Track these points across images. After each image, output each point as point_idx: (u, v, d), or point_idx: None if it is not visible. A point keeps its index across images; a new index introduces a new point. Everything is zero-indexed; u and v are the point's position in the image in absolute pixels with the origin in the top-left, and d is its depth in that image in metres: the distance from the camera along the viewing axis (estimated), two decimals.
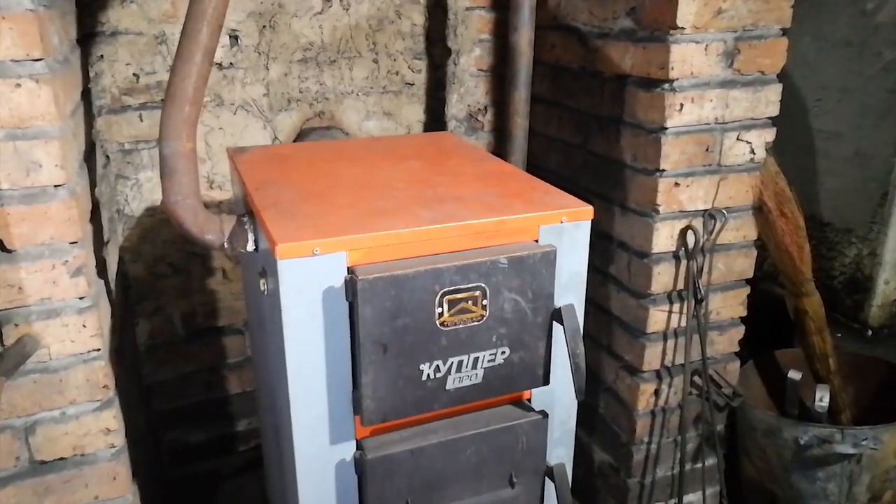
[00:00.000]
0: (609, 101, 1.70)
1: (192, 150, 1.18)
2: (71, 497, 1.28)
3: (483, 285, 1.10)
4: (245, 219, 1.22)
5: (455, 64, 1.98)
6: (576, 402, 1.29)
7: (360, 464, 1.14)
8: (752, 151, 1.63)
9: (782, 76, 1.61)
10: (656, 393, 1.74)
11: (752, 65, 1.56)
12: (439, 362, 1.11)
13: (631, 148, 1.64)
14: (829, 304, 1.93)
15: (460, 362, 1.13)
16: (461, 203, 1.21)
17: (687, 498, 1.85)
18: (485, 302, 1.11)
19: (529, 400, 1.28)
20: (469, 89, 2.04)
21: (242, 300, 1.96)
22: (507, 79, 1.81)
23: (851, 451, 1.67)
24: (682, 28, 1.47)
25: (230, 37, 1.78)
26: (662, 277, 1.64)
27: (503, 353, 1.15)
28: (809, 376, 1.91)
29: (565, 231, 1.20)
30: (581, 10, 1.77)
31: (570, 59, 1.85)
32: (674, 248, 1.63)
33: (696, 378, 1.75)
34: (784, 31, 1.57)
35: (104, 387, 1.26)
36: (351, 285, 1.04)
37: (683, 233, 1.62)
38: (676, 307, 1.68)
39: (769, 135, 1.63)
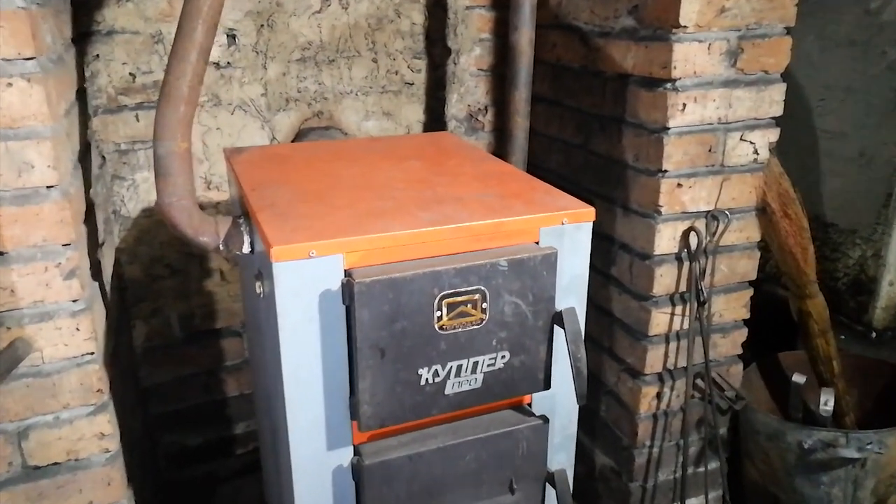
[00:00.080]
0: (611, 100, 1.68)
1: (186, 151, 1.16)
2: (65, 502, 1.26)
3: (483, 288, 1.08)
4: (241, 220, 1.20)
5: (455, 63, 1.97)
6: (577, 406, 1.27)
7: (357, 470, 1.12)
8: (756, 152, 1.61)
9: (786, 76, 1.59)
10: (658, 396, 1.72)
11: (756, 64, 1.54)
12: (438, 367, 1.09)
13: (633, 148, 1.62)
14: (833, 305, 1.91)
15: (459, 367, 1.11)
16: (461, 204, 1.19)
17: (689, 502, 1.84)
18: (484, 305, 1.09)
19: (530, 405, 1.26)
20: (469, 89, 2.02)
21: (240, 302, 1.94)
22: (508, 78, 1.80)
23: (856, 455, 1.66)
24: (685, 27, 1.45)
25: (228, 36, 1.76)
26: (664, 279, 1.62)
27: (503, 357, 1.13)
28: (813, 379, 1.89)
29: (566, 233, 1.18)
30: (582, 9, 1.75)
31: (572, 58, 1.83)
32: (676, 250, 1.61)
33: (698, 381, 1.73)
34: (788, 30, 1.56)
35: (98, 391, 1.24)
36: (348, 288, 1.02)
37: (686, 234, 1.60)
38: (679, 309, 1.66)
39: (773, 135, 1.62)
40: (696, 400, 1.75)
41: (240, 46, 1.78)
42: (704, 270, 1.63)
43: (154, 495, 1.77)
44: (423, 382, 1.09)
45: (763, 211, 1.66)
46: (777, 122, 1.62)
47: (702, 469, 1.82)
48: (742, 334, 1.77)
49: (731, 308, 1.73)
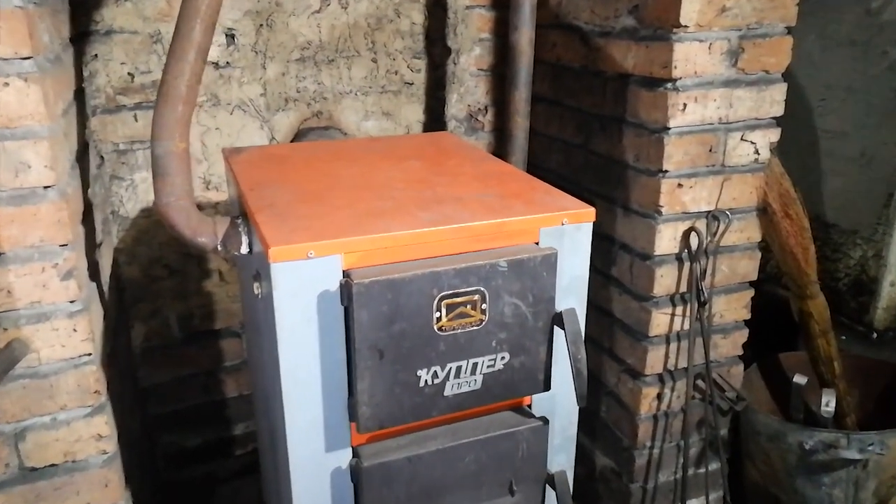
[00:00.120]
0: (611, 100, 1.68)
1: (185, 151, 1.15)
2: None
3: (482, 289, 1.08)
4: (239, 221, 1.20)
5: (455, 63, 1.96)
6: (577, 408, 1.27)
7: (355, 472, 1.11)
8: (757, 152, 1.60)
9: (786, 75, 1.58)
10: (659, 397, 1.72)
11: (757, 64, 1.54)
12: (437, 368, 1.09)
13: (633, 148, 1.62)
14: (834, 306, 1.90)
15: (459, 368, 1.10)
16: (460, 204, 1.18)
17: (690, 503, 1.83)
18: (484, 306, 1.09)
19: (530, 406, 1.25)
20: (469, 89, 2.01)
21: (239, 302, 1.94)
22: (508, 78, 1.79)
23: (857, 456, 1.65)
24: (686, 26, 1.44)
25: (227, 36, 1.75)
26: (665, 280, 1.62)
27: (503, 358, 1.13)
28: (814, 380, 1.88)
29: (566, 233, 1.17)
30: (582, 9, 1.74)
31: (572, 58, 1.83)
32: (677, 250, 1.61)
33: (699, 382, 1.72)
34: (789, 30, 1.55)
35: (96, 392, 1.24)
36: (346, 289, 1.01)
37: (686, 234, 1.60)
38: (679, 310, 1.65)
39: (774, 135, 1.61)
40: (696, 401, 1.74)
41: (239, 46, 1.77)
42: (705, 271, 1.63)
43: (153, 496, 1.76)
44: (422, 384, 1.08)
45: (764, 211, 1.65)
46: (778, 121, 1.61)
47: (702, 470, 1.81)
48: (743, 335, 1.77)
49: (731, 308, 1.72)
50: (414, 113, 2.00)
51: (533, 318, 1.13)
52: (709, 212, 1.60)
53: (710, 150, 1.56)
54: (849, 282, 2.33)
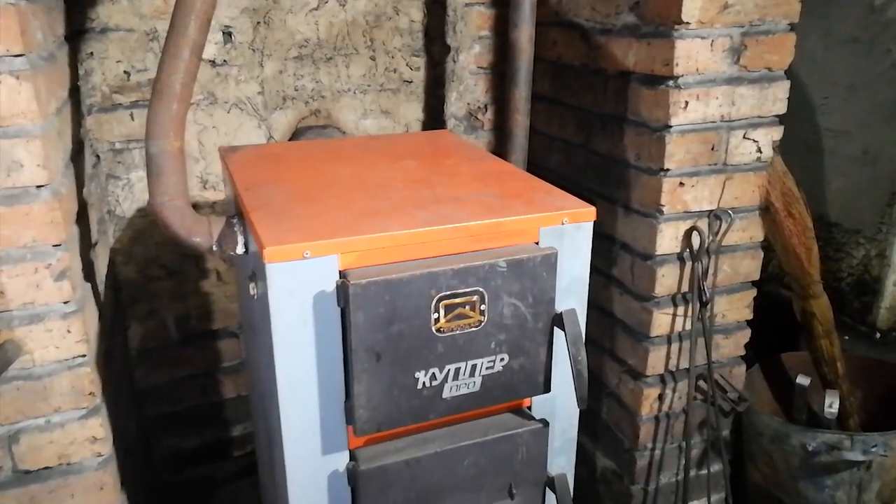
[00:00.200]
0: (612, 98, 1.66)
1: (179, 149, 1.14)
2: None
3: (481, 290, 1.06)
4: (234, 220, 1.18)
5: (454, 61, 1.94)
6: (577, 410, 1.25)
7: (353, 475, 1.10)
8: (759, 150, 1.59)
9: (789, 73, 1.57)
10: (660, 398, 1.70)
11: (759, 61, 1.52)
12: (435, 370, 1.07)
13: (634, 147, 1.60)
14: (837, 306, 1.89)
15: (457, 370, 1.08)
16: (459, 204, 1.17)
17: None
18: (483, 307, 1.07)
19: (530, 408, 1.24)
20: (469, 87, 2.00)
21: (237, 303, 1.92)
22: (508, 76, 1.77)
23: (861, 457, 1.64)
24: (687, 23, 1.43)
25: (224, 33, 1.74)
26: (666, 280, 1.60)
27: (502, 359, 1.11)
28: (817, 380, 1.87)
29: (566, 233, 1.15)
30: (583, 6, 1.73)
31: (572, 55, 1.81)
32: (678, 250, 1.59)
33: (700, 382, 1.71)
34: (792, 27, 1.53)
35: (90, 394, 1.23)
36: (343, 290, 1.00)
37: (688, 234, 1.58)
38: (681, 310, 1.64)
39: (776, 133, 1.59)
40: (698, 402, 1.73)
41: (236, 44, 1.76)
42: (707, 271, 1.61)
43: (150, 499, 1.75)
44: (420, 386, 1.07)
45: (766, 210, 1.64)
46: (781, 120, 1.59)
47: (704, 472, 1.80)
48: (745, 335, 1.75)
49: (733, 309, 1.70)
50: (413, 111, 1.99)
51: (533, 319, 1.11)
52: (711, 211, 1.59)
53: (712, 149, 1.54)
54: (852, 281, 2.31)
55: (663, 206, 1.54)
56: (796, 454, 1.70)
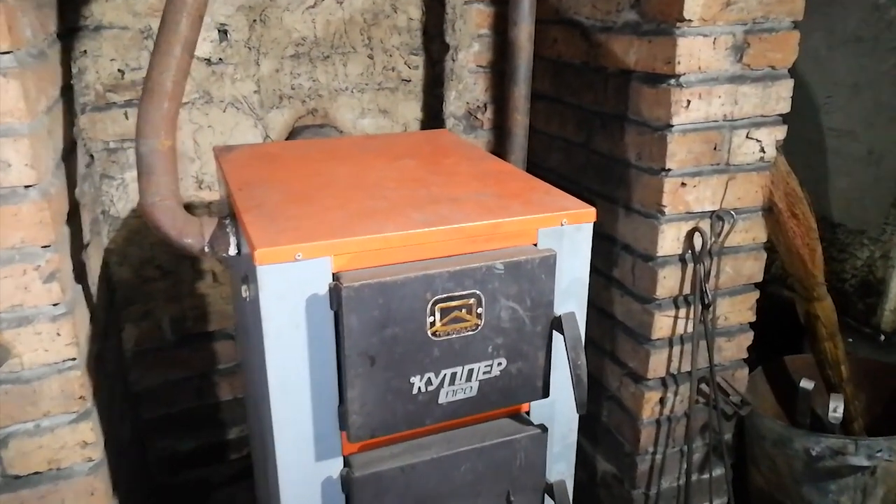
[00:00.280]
0: (613, 97, 1.64)
1: (170, 149, 1.12)
2: None
3: (478, 292, 1.04)
4: (227, 221, 1.16)
5: (453, 60, 1.92)
6: (577, 415, 1.23)
7: (346, 482, 1.07)
8: (762, 150, 1.56)
9: (792, 72, 1.54)
10: (662, 401, 1.68)
11: (763, 59, 1.50)
12: (431, 375, 1.05)
13: (635, 146, 1.58)
14: (841, 308, 1.87)
15: (454, 374, 1.06)
16: (456, 204, 1.14)
17: None
18: (480, 310, 1.05)
19: (528, 413, 1.22)
20: (468, 86, 1.97)
21: (233, 304, 1.90)
22: (507, 75, 1.75)
23: (865, 462, 1.61)
24: (690, 21, 1.41)
25: (219, 31, 1.72)
26: (668, 281, 1.58)
27: (500, 364, 1.09)
28: (821, 384, 1.85)
29: (566, 234, 1.13)
30: (583, 3, 1.71)
31: (573, 54, 1.79)
32: (680, 251, 1.57)
33: (702, 385, 1.69)
34: (795, 24, 1.51)
35: (80, 398, 1.20)
36: (336, 293, 0.98)
37: (690, 235, 1.56)
38: (682, 312, 1.62)
39: (780, 132, 1.57)
40: (700, 405, 1.70)
41: (232, 42, 1.73)
42: (709, 272, 1.59)
43: (144, 502, 1.73)
44: (415, 391, 1.05)
45: (770, 211, 1.61)
46: (784, 119, 1.57)
47: (706, 476, 1.78)
48: (747, 337, 1.73)
49: (736, 311, 1.68)
50: (411, 110, 1.97)
51: (531, 322, 1.09)
52: (713, 211, 1.56)
53: (715, 149, 1.52)
54: (856, 283, 2.28)
55: (665, 206, 1.52)
56: (800, 458, 1.68)
